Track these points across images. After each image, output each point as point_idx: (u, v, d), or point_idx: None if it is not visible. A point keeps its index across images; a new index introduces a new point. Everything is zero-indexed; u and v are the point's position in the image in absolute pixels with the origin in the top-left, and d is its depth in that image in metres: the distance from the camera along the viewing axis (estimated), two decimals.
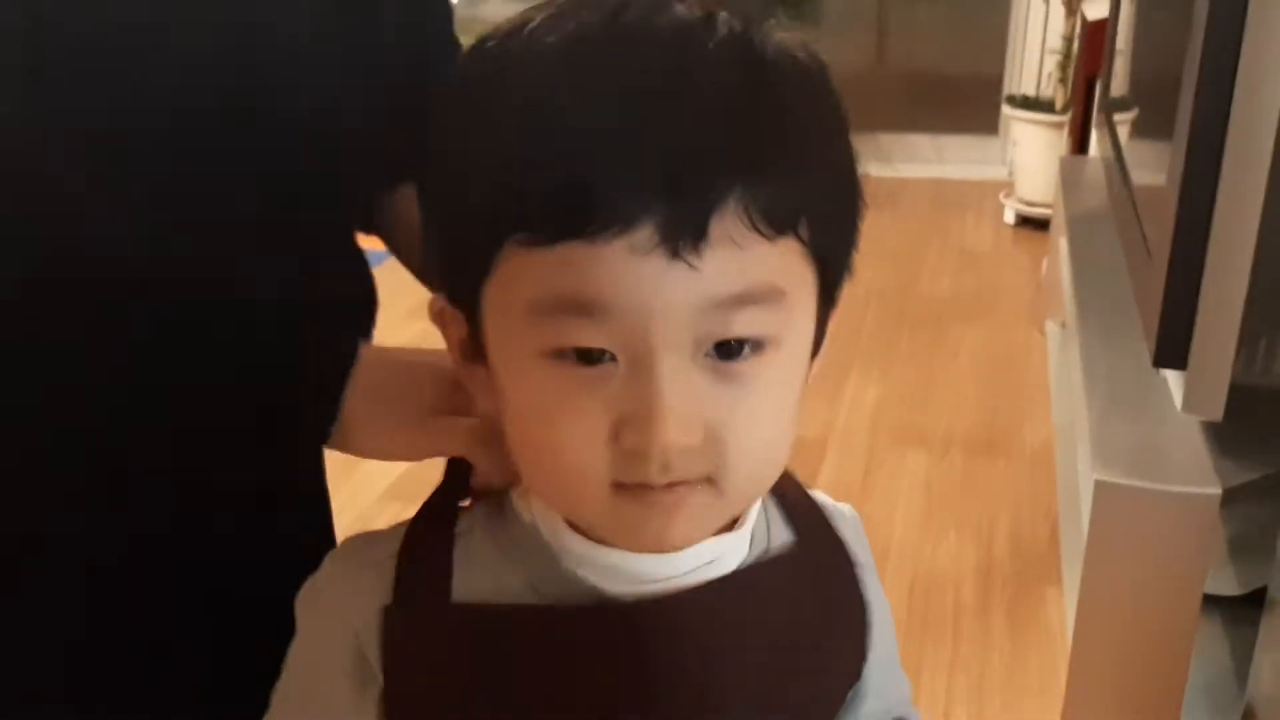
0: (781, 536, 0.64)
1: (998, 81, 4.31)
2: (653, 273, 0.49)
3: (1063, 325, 2.58)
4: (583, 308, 0.50)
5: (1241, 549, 1.53)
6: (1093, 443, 1.47)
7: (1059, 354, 2.68)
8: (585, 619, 0.57)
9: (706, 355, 0.51)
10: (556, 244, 0.49)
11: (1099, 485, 1.39)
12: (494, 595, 0.57)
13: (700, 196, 0.48)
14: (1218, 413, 1.37)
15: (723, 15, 0.52)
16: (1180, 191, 1.33)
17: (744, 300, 0.50)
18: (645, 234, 0.48)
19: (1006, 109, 3.92)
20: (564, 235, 0.49)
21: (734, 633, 0.59)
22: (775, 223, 0.50)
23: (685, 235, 0.48)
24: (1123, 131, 2.20)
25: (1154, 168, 1.56)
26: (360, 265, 0.80)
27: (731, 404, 0.52)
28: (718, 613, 0.59)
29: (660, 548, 0.55)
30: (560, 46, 0.50)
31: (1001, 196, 3.95)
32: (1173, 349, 1.38)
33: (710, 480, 0.53)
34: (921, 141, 4.54)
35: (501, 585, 0.58)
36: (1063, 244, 2.47)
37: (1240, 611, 1.51)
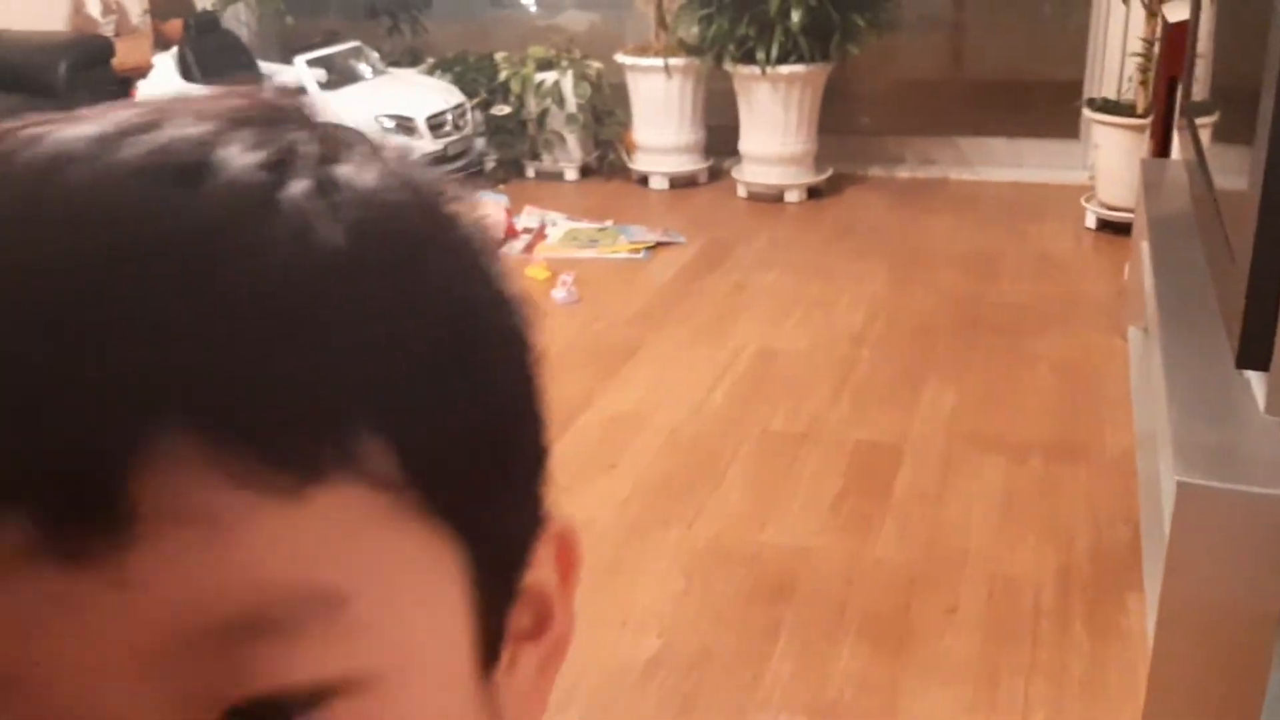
0: None
1: (1077, 85, 4.27)
2: (42, 603, 0.26)
3: (1145, 330, 2.56)
4: None
5: None
6: (1175, 445, 1.47)
7: (1141, 359, 2.65)
8: None
9: None
10: None
11: (1181, 487, 1.39)
12: None
13: (93, 441, 0.25)
14: None
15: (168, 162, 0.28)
16: (1262, 194, 1.33)
17: (254, 628, 0.26)
18: (9, 532, 0.25)
19: (1087, 112, 3.88)
20: None
21: None
22: (290, 458, 0.26)
23: (82, 517, 0.25)
24: (1204, 134, 2.18)
25: (1236, 171, 1.55)
26: None
27: None
28: None
29: None
30: None
31: (1082, 200, 3.92)
32: (1255, 350, 1.37)
33: None
34: (999, 145, 4.52)
35: None
36: (1144, 248, 2.45)
37: None
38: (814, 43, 4.03)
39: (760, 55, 4.04)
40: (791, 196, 4.28)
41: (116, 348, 0.25)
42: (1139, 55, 3.70)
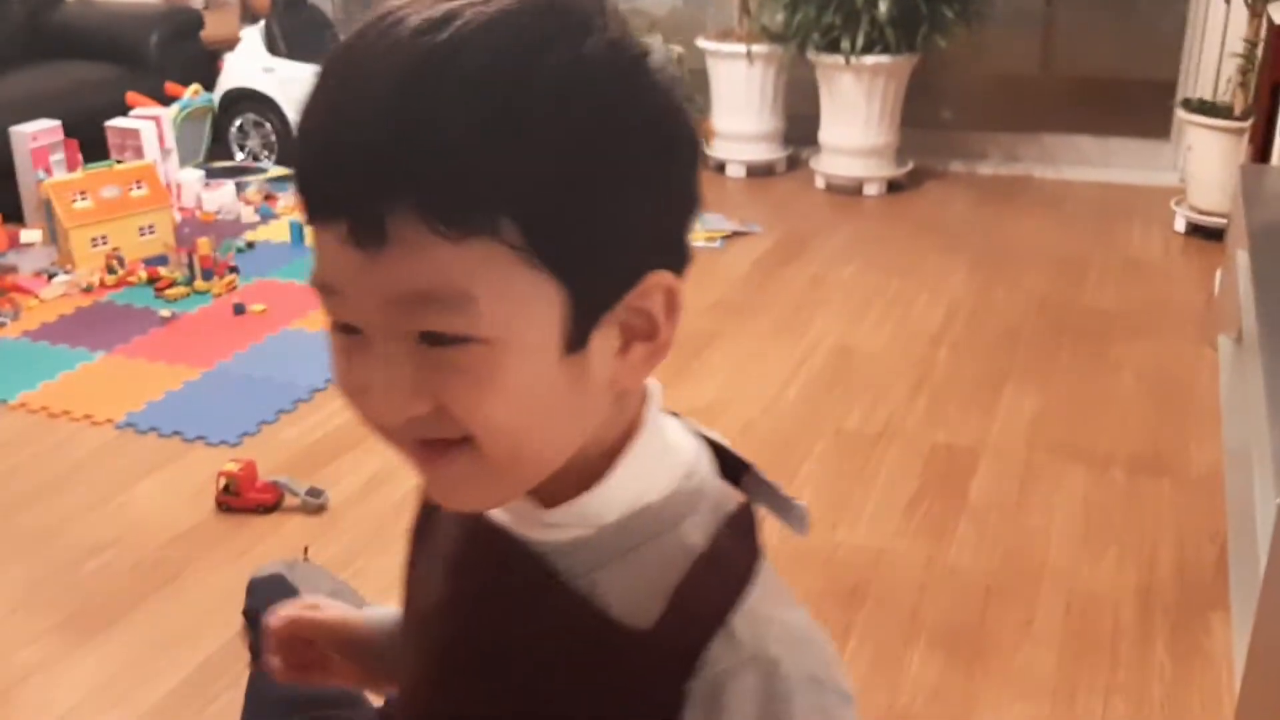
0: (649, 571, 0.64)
1: (1170, 85, 4.16)
2: (351, 262, 0.55)
3: (1237, 340, 2.48)
4: (324, 286, 0.58)
5: None
6: (1275, 463, 1.41)
7: (1232, 370, 2.57)
8: (467, 533, 0.70)
9: (420, 342, 0.56)
10: (315, 227, 0.57)
11: None
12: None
13: (374, 199, 0.53)
14: None
15: (465, 19, 0.54)
16: None
17: (425, 299, 0.55)
18: (344, 227, 0.54)
19: (1181, 113, 3.77)
20: (311, 220, 0.57)
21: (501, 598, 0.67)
22: (456, 224, 0.53)
23: (366, 233, 0.54)
24: None
25: None
26: None
27: (450, 385, 0.57)
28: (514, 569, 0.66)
29: (445, 502, 0.64)
30: (344, 41, 0.58)
31: (1173, 203, 3.81)
32: None
33: (471, 443, 0.59)
34: (1087, 144, 4.42)
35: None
36: (1241, 255, 2.37)
37: None
38: (900, 34, 3.96)
39: (845, 44, 3.98)
40: (871, 189, 4.22)
41: (403, 148, 0.52)
42: (1239, 56, 3.58)
